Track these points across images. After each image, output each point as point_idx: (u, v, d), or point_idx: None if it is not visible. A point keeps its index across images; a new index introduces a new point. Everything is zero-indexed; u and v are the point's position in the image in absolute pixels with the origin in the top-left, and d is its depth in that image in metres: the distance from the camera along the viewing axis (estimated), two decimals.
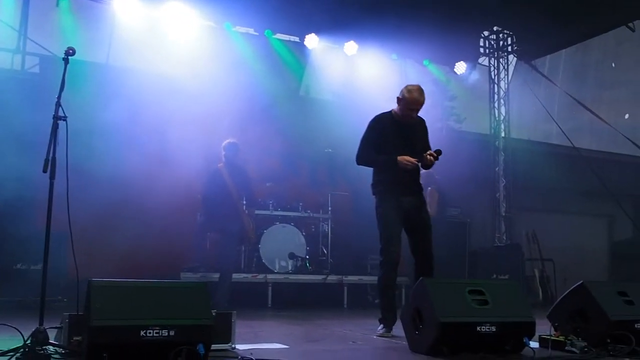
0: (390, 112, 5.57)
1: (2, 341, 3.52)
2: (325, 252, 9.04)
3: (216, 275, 7.53)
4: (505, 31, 12.37)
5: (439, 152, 5.33)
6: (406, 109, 5.41)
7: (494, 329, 3.99)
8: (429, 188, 8.97)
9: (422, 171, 8.96)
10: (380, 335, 5.08)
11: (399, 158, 5.25)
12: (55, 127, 3.66)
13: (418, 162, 5.31)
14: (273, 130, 10.10)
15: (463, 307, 4.06)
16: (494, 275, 9.84)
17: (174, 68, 9.72)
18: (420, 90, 5.45)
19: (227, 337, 3.99)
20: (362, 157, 5.49)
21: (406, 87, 5.49)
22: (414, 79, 12.52)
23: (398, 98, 5.47)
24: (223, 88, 9.71)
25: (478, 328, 3.97)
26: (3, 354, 3.33)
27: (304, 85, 11.73)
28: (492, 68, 12.65)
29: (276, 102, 10.32)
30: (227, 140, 7.97)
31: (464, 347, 3.89)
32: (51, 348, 3.54)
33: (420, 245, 5.37)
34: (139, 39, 9.68)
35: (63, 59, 3.85)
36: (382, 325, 5.19)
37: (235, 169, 7.78)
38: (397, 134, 5.44)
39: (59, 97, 3.75)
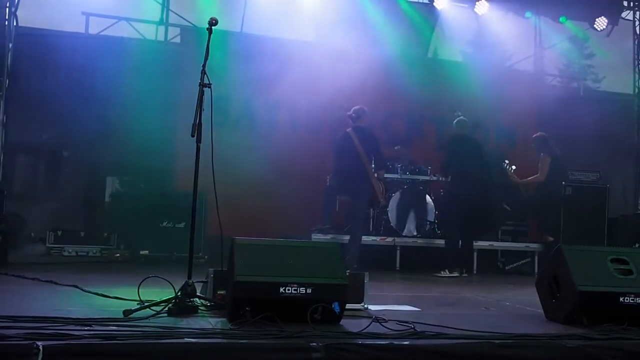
0: None
1: (154, 292, 3.81)
2: None
3: (346, 237, 7.68)
4: None
5: None
6: None
7: (638, 300, 3.79)
8: (542, 154, 8.58)
9: (535, 135, 8.67)
10: None
11: None
12: (201, 94, 3.83)
13: None
14: (401, 93, 10.03)
15: (604, 276, 3.87)
16: (636, 245, 9.26)
17: (302, 34, 9.89)
18: None
19: (359, 297, 4.08)
20: None
21: None
22: (548, 37, 11.97)
23: None
24: (351, 52, 9.76)
25: (621, 299, 3.77)
26: (156, 304, 3.62)
27: (432, 46, 11.52)
28: (636, 22, 11.75)
29: (404, 65, 10.23)
30: (356, 106, 8.02)
31: (605, 318, 3.72)
32: (198, 300, 3.80)
33: None
34: (270, 7, 9.94)
35: (207, 29, 3.96)
36: None
37: (364, 133, 7.81)
38: None
39: (204, 65, 3.88)
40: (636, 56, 11.73)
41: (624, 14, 11.84)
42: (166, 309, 3.59)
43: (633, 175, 11.45)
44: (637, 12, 11.71)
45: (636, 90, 11.73)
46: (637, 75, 11.70)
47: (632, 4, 11.67)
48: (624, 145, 11.51)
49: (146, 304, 3.60)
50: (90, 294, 4.10)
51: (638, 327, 3.62)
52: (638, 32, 11.69)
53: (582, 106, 11.49)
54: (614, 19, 11.53)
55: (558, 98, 11.66)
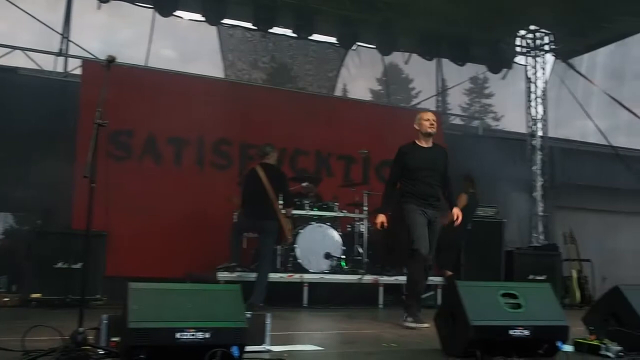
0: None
1: (43, 341, 3.63)
2: (361, 251, 9.04)
3: (252, 275, 7.61)
4: (542, 30, 12.27)
5: None
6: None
7: (527, 332, 3.96)
8: (462, 193, 8.95)
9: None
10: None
11: None
12: (96, 132, 3.72)
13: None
14: (308, 131, 10.17)
15: (496, 310, 4.03)
16: (531, 276, 9.69)
17: (211, 70, 9.87)
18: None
19: (260, 338, 4.04)
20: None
21: None
22: (451, 79, 12.55)
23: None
24: (260, 88, 9.83)
25: (511, 332, 3.94)
26: (44, 354, 3.43)
27: (340, 85, 11.80)
28: (528, 67, 12.60)
29: (312, 103, 10.38)
30: (263, 143, 8.05)
31: (497, 351, 3.87)
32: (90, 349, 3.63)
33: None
34: (177, 41, 9.88)
35: (104, 66, 3.91)
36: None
37: (272, 170, 7.82)
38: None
39: (100, 103, 3.79)
40: (528, 98, 12.53)
41: (517, 59, 12.69)
42: (54, 359, 3.40)
43: (527, 211, 12.04)
44: (529, 58, 12.57)
45: (529, 129, 12.47)
46: (529, 116, 12.46)
47: (524, 49, 12.51)
48: (519, 181, 12.11)
49: (32, 355, 3.40)
50: None
51: (527, 358, 3.77)
52: (530, 76, 12.52)
53: (480, 144, 12.04)
54: (509, 63, 12.35)
55: (459, 136, 12.19)
